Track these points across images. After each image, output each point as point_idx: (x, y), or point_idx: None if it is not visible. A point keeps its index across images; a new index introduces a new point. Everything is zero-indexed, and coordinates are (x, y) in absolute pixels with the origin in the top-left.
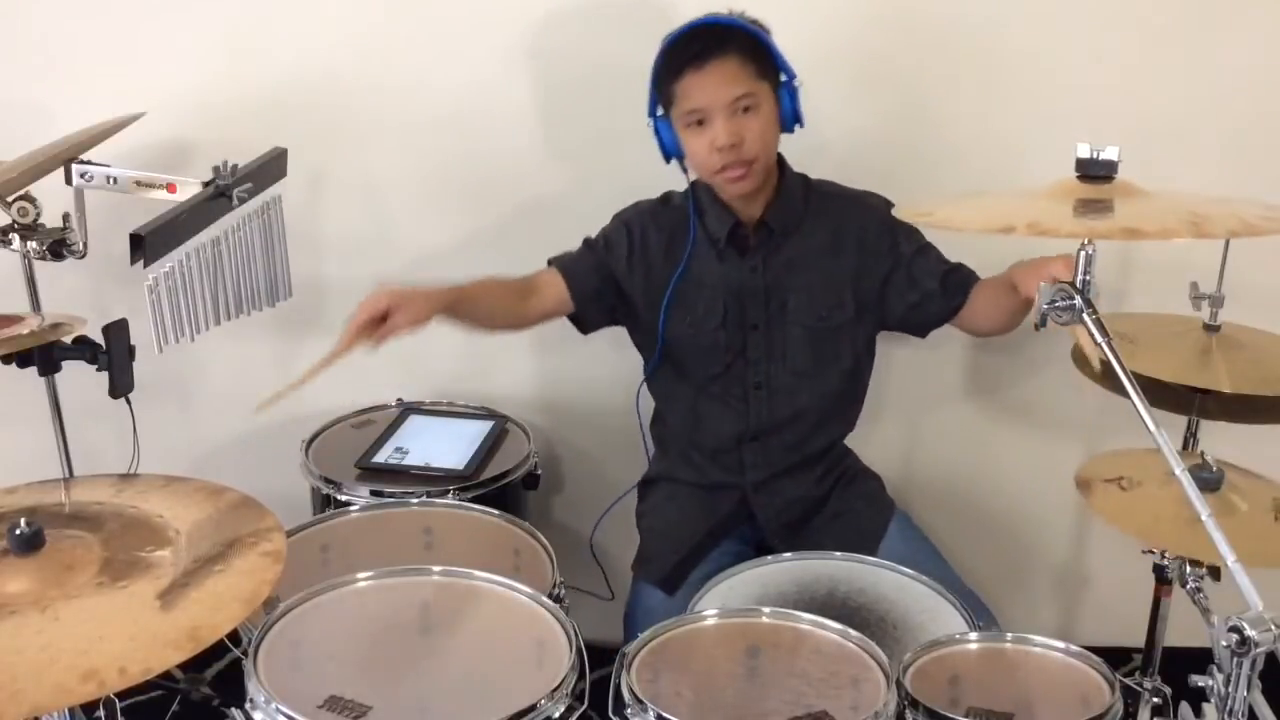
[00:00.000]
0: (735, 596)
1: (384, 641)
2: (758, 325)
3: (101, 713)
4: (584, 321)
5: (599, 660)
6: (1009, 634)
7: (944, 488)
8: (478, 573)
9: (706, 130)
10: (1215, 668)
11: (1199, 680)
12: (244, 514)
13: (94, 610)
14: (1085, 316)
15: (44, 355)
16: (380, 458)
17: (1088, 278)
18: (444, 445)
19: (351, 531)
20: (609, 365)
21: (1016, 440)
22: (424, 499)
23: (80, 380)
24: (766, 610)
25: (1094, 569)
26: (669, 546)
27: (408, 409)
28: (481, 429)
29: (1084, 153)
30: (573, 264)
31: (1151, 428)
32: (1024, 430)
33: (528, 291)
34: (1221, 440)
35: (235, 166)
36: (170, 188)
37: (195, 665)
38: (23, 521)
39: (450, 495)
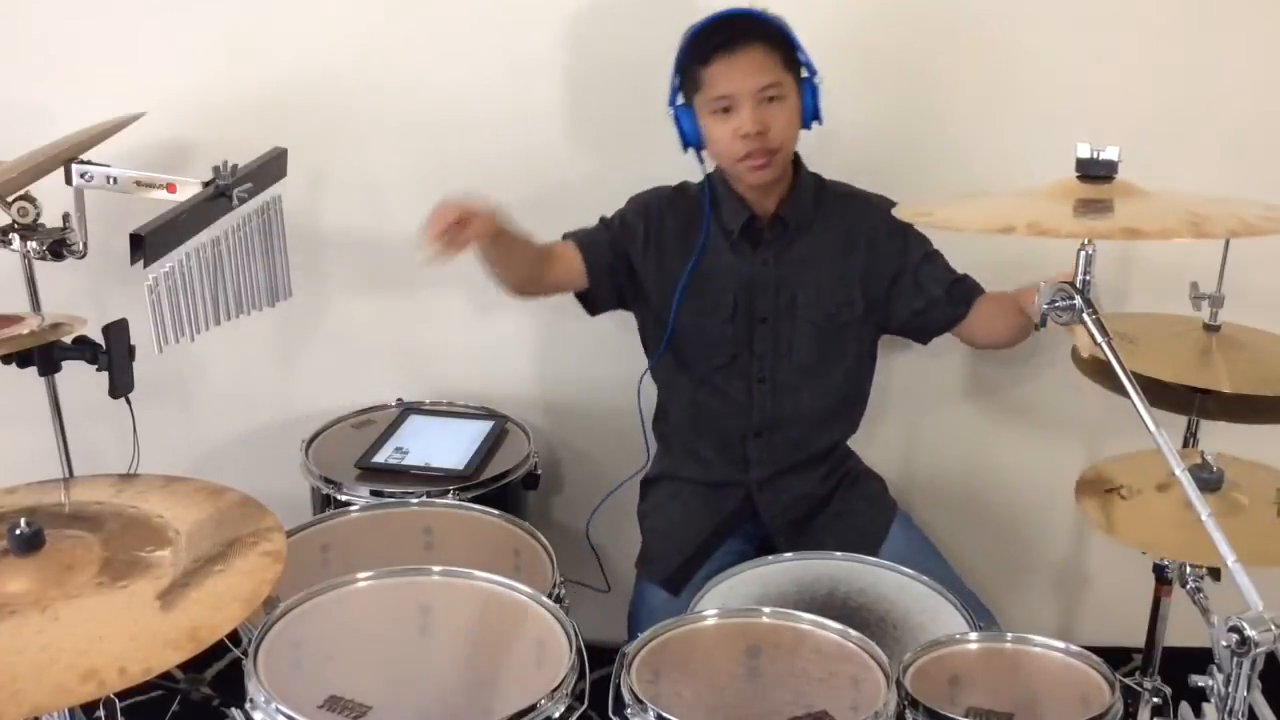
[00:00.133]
0: (735, 596)
1: (384, 641)
2: (766, 319)
3: (101, 713)
4: (593, 300)
5: (599, 660)
6: (1009, 634)
7: (944, 488)
8: (478, 573)
9: (732, 117)
10: (1215, 668)
11: (1199, 680)
12: (244, 514)
13: (94, 610)
14: (1085, 316)
15: (44, 355)
16: (380, 458)
17: (1088, 278)
18: (444, 445)
19: (351, 531)
20: (609, 365)
21: (1017, 440)
22: (424, 499)
23: (80, 380)
24: (767, 610)
25: (1094, 569)
26: (673, 546)
27: (408, 409)
28: (481, 429)
29: (1084, 153)
30: (589, 239)
31: (1151, 428)
32: (1024, 431)
33: (547, 258)
34: (1221, 440)
35: (235, 166)
36: (170, 188)
37: (195, 665)
38: (23, 521)
39: (450, 495)
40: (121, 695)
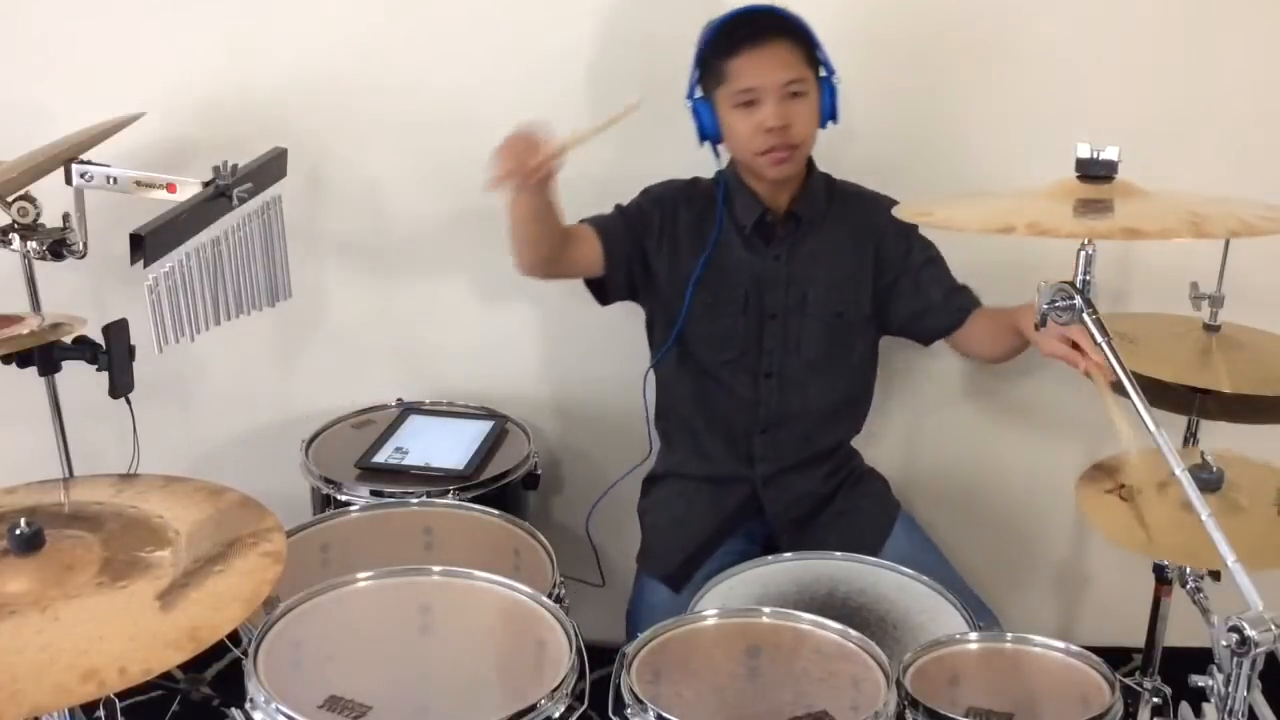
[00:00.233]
0: (735, 596)
1: (384, 641)
2: (776, 315)
3: (101, 713)
4: (606, 288)
5: (599, 660)
6: (1009, 634)
7: (945, 488)
8: (478, 573)
9: (756, 111)
10: (1215, 668)
11: (1199, 680)
12: (244, 514)
13: (94, 610)
14: (1085, 316)
15: (44, 355)
16: (380, 458)
17: (1088, 278)
18: (444, 445)
19: (351, 531)
20: (609, 365)
21: (1017, 440)
22: (424, 499)
23: (80, 380)
24: (767, 610)
25: (1094, 569)
26: (676, 543)
27: (408, 409)
28: (481, 429)
29: (1084, 153)
30: (608, 225)
31: (1151, 428)
32: (1025, 430)
33: (568, 237)
34: (1221, 440)
35: (235, 166)
36: (170, 188)
37: (195, 665)
38: (23, 521)
39: (450, 495)
40: (121, 695)
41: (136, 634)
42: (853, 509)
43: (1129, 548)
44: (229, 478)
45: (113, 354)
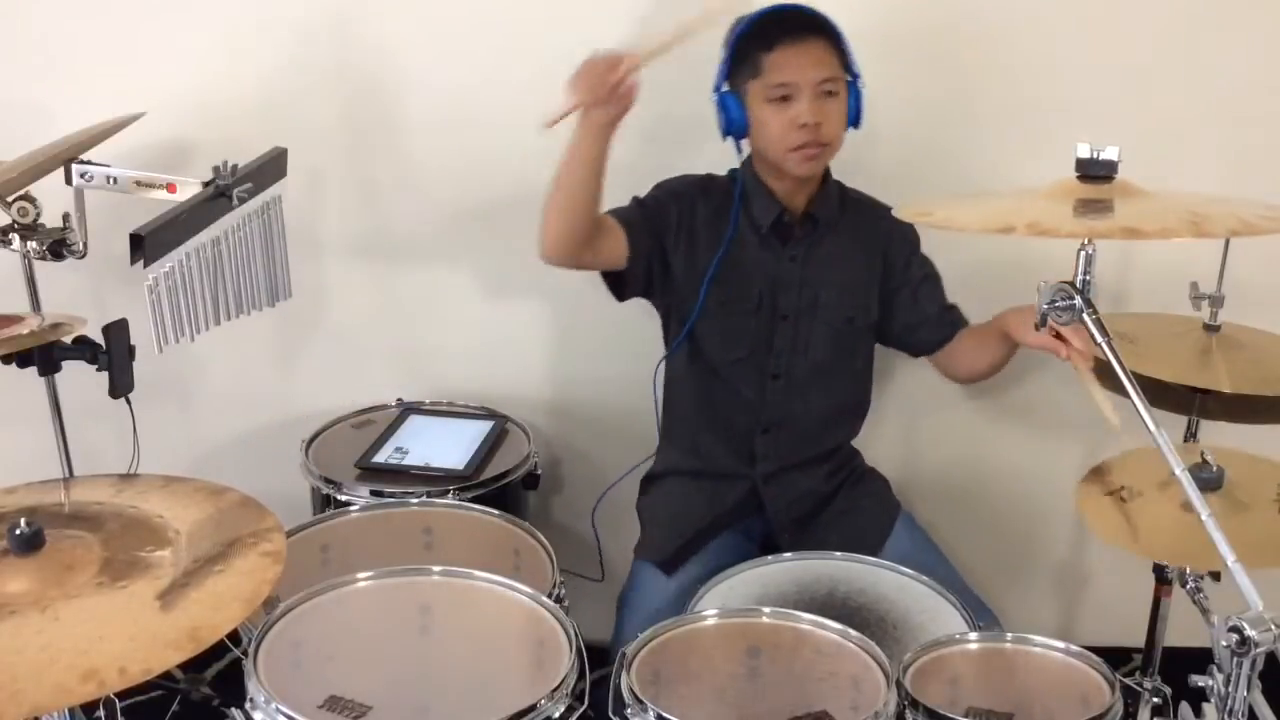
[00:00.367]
0: (735, 596)
1: (384, 641)
2: (788, 316)
3: (101, 713)
4: (625, 282)
5: (599, 660)
6: (1009, 634)
7: (945, 488)
8: (478, 573)
9: (790, 106)
10: (1215, 668)
11: (1199, 680)
12: (244, 514)
13: (94, 610)
14: (1085, 316)
15: (44, 355)
16: (380, 458)
17: (1088, 278)
18: (444, 445)
19: (351, 531)
20: (610, 365)
21: (1017, 440)
22: (424, 499)
23: (80, 380)
24: (766, 610)
25: (1094, 569)
26: (674, 530)
27: (408, 409)
28: (481, 429)
29: (1084, 153)
30: (630, 218)
31: (1151, 428)
32: (1025, 430)
33: (600, 225)
34: (1221, 440)
35: (235, 166)
36: (170, 188)
37: (195, 665)
38: (23, 521)
39: (450, 495)
40: (121, 695)
41: (136, 634)
42: (853, 508)
43: (1132, 551)
44: (229, 478)
45: (113, 354)
